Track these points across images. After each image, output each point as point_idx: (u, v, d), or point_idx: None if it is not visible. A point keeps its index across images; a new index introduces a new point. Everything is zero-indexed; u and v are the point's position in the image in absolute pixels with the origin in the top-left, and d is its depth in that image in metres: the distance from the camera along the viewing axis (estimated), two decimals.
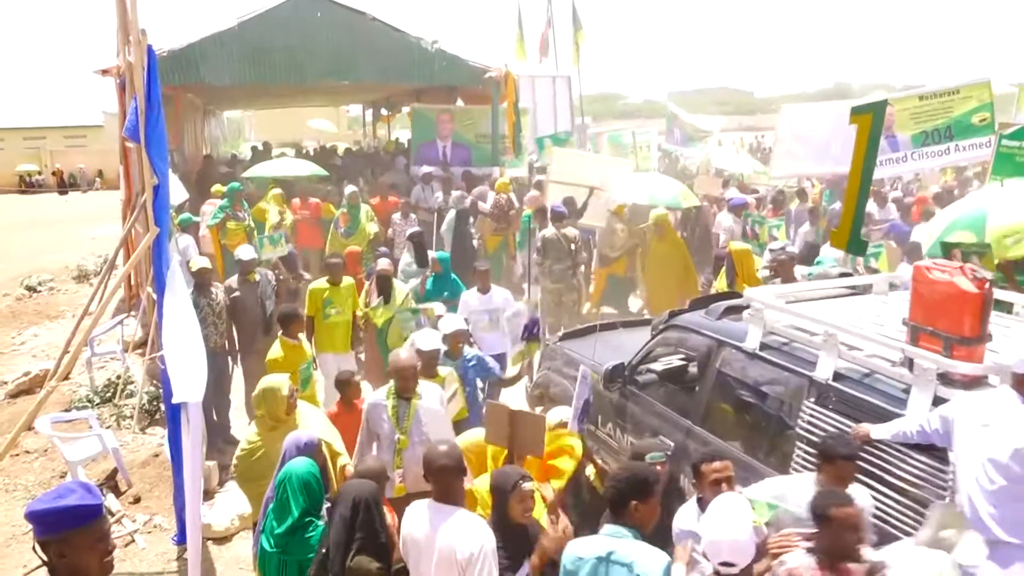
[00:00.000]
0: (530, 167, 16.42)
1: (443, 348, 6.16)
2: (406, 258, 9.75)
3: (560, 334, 7.90)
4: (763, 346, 5.01)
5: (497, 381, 6.84)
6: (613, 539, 3.50)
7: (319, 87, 16.80)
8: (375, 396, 5.44)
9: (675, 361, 6.13)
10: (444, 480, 3.84)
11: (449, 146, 15.76)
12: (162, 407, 7.79)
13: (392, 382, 5.32)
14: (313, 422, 5.35)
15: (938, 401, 3.98)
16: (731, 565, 3.29)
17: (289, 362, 6.64)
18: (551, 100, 19.26)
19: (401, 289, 8.12)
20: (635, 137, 19.06)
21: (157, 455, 7.34)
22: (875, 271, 8.60)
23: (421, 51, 15.09)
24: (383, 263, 8.23)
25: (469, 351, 6.52)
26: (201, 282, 7.84)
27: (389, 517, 4.17)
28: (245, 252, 8.51)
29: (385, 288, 7.96)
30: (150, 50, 6.21)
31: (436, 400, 5.39)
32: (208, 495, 6.70)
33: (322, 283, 8.06)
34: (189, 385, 4.73)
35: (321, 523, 4.09)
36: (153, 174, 6.24)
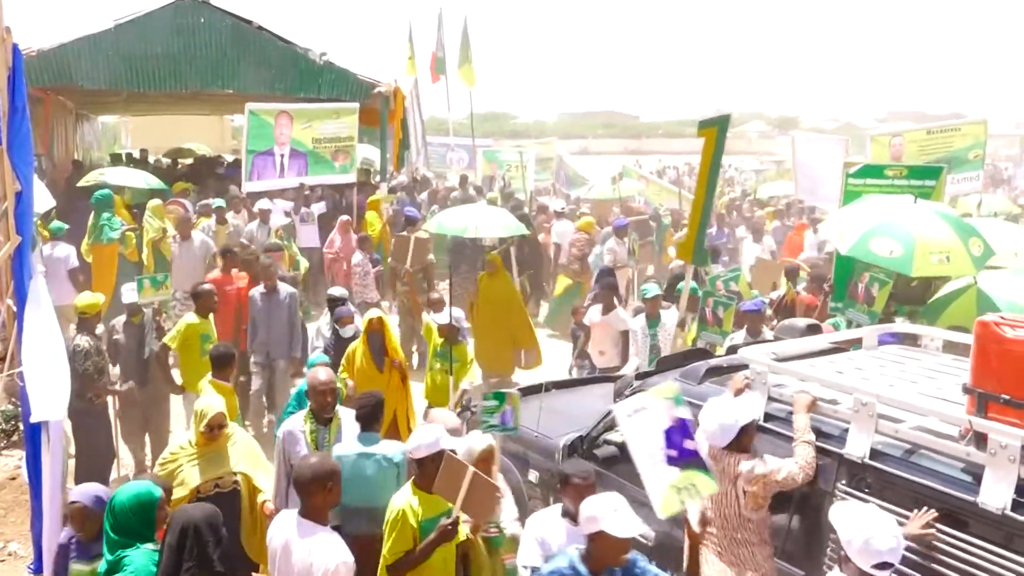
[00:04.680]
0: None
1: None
2: (324, 320, 8.22)
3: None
4: (768, 416, 4.33)
5: None
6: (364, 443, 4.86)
7: (200, 95, 16.33)
8: (289, 424, 5.21)
9: None
10: (309, 495, 3.89)
11: (287, 155, 13.43)
12: (20, 427, 7.33)
13: (309, 405, 5.18)
14: (241, 451, 5.07)
15: (1021, 486, 3.34)
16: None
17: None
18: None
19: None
20: (522, 156, 19.49)
21: (14, 478, 6.92)
22: (736, 293, 8.81)
23: (308, 63, 14.88)
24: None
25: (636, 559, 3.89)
26: (89, 325, 7.05)
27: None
28: (129, 293, 7.73)
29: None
30: (16, 49, 5.90)
31: (354, 423, 5.19)
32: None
33: (193, 318, 7.49)
34: (50, 403, 4.49)
35: (138, 549, 3.79)
36: (16, 180, 5.91)
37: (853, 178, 8.73)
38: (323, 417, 5.17)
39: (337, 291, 8.26)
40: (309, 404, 5.27)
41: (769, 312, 8.43)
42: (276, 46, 14.73)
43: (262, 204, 12.65)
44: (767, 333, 7.51)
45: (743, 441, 4.17)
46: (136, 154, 22.00)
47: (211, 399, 5.14)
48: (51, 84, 13.79)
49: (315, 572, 3.72)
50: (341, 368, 6.93)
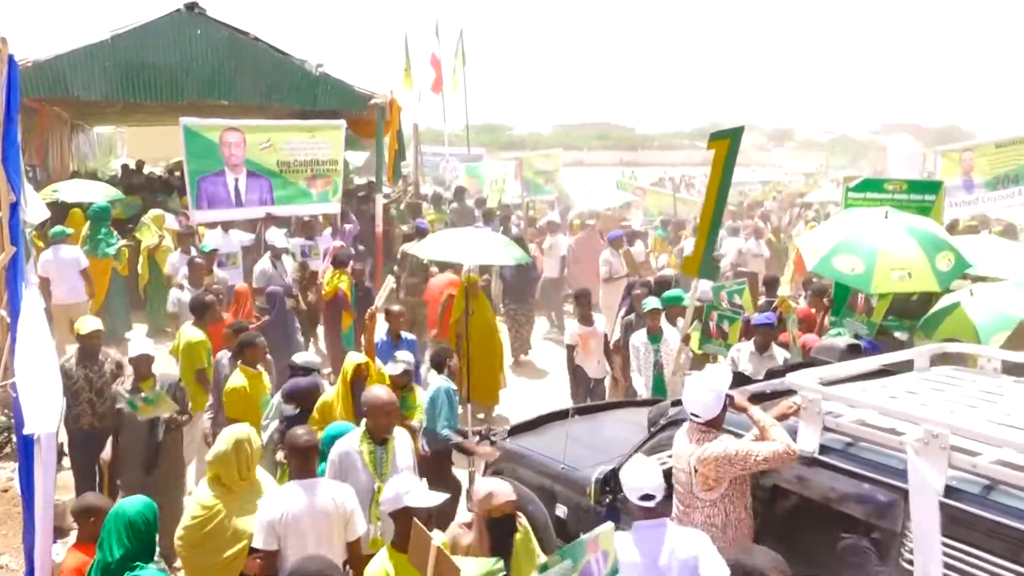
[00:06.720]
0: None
1: None
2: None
3: (508, 428, 6.56)
4: (823, 449, 4.00)
5: None
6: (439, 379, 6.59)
7: (197, 106, 16.39)
8: (345, 444, 4.95)
9: (667, 459, 4.85)
10: (306, 458, 4.45)
11: (243, 179, 11.37)
12: (13, 438, 7.29)
13: (363, 425, 5.00)
14: (270, 485, 4.79)
15: None
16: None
17: (253, 393, 6.21)
18: None
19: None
20: (522, 166, 19.75)
21: (6, 490, 6.89)
22: (739, 307, 8.78)
23: (304, 74, 14.88)
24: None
25: None
26: (90, 350, 6.58)
27: None
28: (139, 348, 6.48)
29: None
30: (11, 60, 5.91)
31: (407, 443, 5.16)
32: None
33: (197, 333, 7.34)
34: (42, 415, 4.46)
35: (147, 569, 3.70)
36: (10, 191, 5.90)
37: (853, 192, 8.76)
38: (380, 438, 4.95)
39: (301, 358, 6.50)
40: (365, 424, 4.99)
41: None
42: (272, 57, 14.74)
43: (275, 239, 11.21)
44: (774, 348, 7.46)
45: (721, 416, 4.37)
46: (132, 164, 21.94)
47: (237, 428, 4.64)
48: (47, 95, 13.74)
49: (347, 507, 4.38)
50: (313, 420, 5.83)
